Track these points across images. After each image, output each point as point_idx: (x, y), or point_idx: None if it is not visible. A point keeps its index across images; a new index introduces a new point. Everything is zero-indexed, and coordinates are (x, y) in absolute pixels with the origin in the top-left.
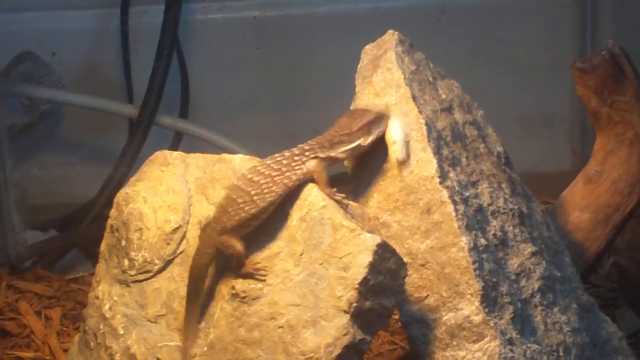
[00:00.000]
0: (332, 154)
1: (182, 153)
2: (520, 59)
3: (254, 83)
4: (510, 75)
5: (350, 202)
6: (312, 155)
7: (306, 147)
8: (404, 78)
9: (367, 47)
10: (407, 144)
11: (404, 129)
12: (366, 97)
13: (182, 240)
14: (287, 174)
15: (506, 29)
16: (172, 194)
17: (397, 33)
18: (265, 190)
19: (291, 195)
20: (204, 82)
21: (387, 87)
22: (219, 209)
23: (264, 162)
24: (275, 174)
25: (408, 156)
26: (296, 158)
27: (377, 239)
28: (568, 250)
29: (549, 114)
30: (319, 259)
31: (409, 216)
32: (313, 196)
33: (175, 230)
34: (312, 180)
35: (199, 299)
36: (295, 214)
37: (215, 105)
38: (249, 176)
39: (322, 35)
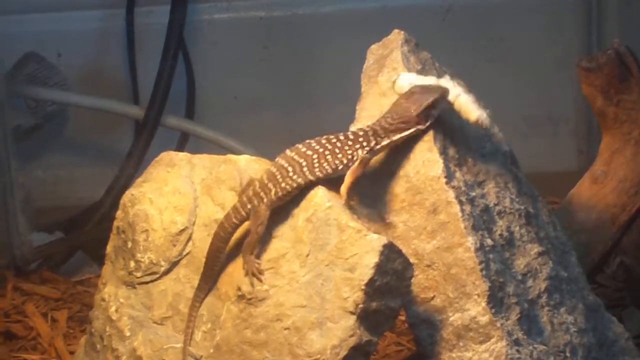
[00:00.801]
0: (385, 142)
1: (188, 154)
2: (525, 58)
3: (260, 83)
4: (515, 74)
5: (356, 204)
6: (366, 145)
7: (361, 134)
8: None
9: (372, 46)
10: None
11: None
12: (372, 97)
13: (188, 241)
14: (339, 156)
15: (511, 27)
16: (178, 195)
17: (402, 32)
18: (316, 165)
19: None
20: (210, 83)
21: (392, 87)
22: (266, 175)
23: (317, 139)
24: (327, 153)
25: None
26: (350, 143)
27: (384, 240)
28: (574, 250)
29: (555, 113)
30: (325, 260)
31: (415, 217)
32: (319, 197)
33: (182, 231)
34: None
35: (213, 272)
36: (301, 214)
37: (222, 105)
38: (302, 149)
39: (328, 35)
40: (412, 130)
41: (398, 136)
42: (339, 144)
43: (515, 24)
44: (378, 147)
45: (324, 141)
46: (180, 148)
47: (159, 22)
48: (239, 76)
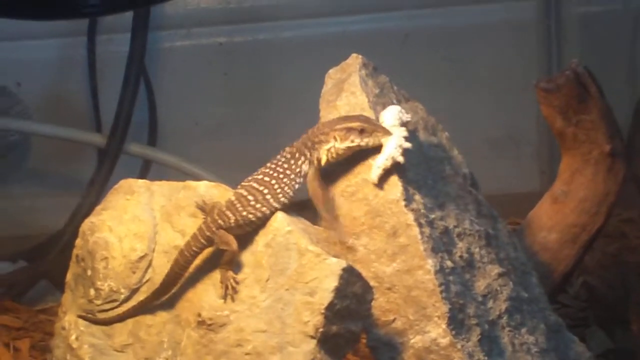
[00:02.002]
0: (313, 155)
1: (147, 181)
2: (486, 79)
3: (221, 109)
4: (476, 95)
5: (315, 226)
6: (304, 159)
7: (294, 150)
8: (368, 101)
9: (330, 71)
10: (386, 170)
11: (394, 153)
12: None
13: (148, 268)
14: (292, 176)
15: (471, 49)
16: (138, 222)
17: (360, 56)
18: (278, 191)
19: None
20: (172, 110)
21: (351, 111)
22: (226, 206)
23: (264, 167)
24: (282, 176)
25: (378, 181)
26: (292, 161)
27: (343, 264)
28: (535, 270)
29: (516, 135)
30: (285, 285)
31: (375, 240)
32: (278, 221)
33: (141, 258)
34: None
35: (171, 287)
36: (261, 239)
37: (183, 132)
38: (263, 177)
39: (289, 60)
40: (329, 144)
41: (325, 147)
42: (285, 165)
43: (476, 46)
44: (314, 157)
45: (273, 166)
46: (142, 175)
47: (119, 50)
48: (200, 102)
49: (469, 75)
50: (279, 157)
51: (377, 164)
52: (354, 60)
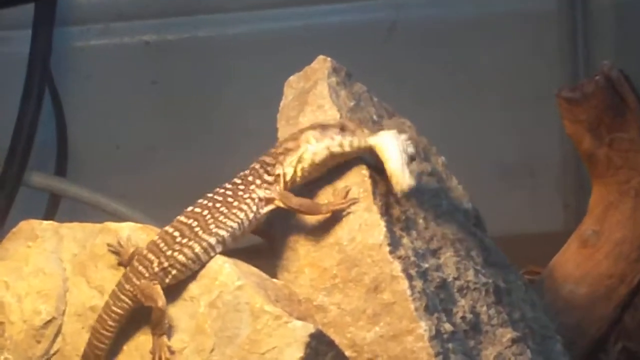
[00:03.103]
0: (278, 170)
1: (54, 223)
2: (495, 88)
3: (149, 127)
4: (482, 110)
5: (274, 280)
6: (260, 182)
7: (248, 172)
8: (340, 117)
9: (291, 78)
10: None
11: (401, 147)
12: None
13: (56, 336)
14: (235, 204)
15: (476, 50)
16: (42, 276)
17: (329, 59)
18: (210, 221)
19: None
20: (86, 128)
21: None
22: (148, 248)
23: (206, 196)
24: (219, 205)
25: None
26: (242, 187)
27: (310, 328)
28: (560, 335)
29: (533, 159)
30: (234, 356)
31: (352, 297)
32: (225, 274)
33: (47, 323)
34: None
35: None
36: (203, 297)
37: (101, 157)
38: (190, 209)
39: (237, 64)
40: (301, 149)
41: (288, 160)
42: (229, 192)
43: (482, 45)
44: (274, 177)
45: (212, 195)
46: (49, 215)
47: (17, 51)
48: (122, 119)
49: (472, 82)
50: (227, 183)
51: (395, 167)
52: (322, 65)
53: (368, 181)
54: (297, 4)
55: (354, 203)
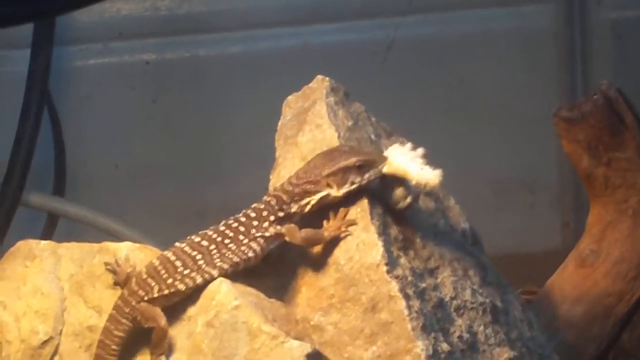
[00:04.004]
0: (294, 209)
1: (52, 243)
2: (492, 107)
3: (148, 147)
4: (480, 128)
5: (271, 300)
6: (273, 219)
7: (262, 207)
8: (339, 137)
9: (289, 98)
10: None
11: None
12: (290, 163)
13: (54, 355)
14: (245, 241)
15: (473, 68)
16: (40, 296)
17: (327, 79)
18: (215, 256)
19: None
20: (85, 148)
21: (317, 149)
22: (147, 272)
23: (214, 227)
24: (228, 241)
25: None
26: (255, 223)
27: (307, 348)
28: (557, 354)
29: (531, 178)
30: None
31: (349, 316)
32: (223, 294)
33: (45, 343)
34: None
35: None
36: (200, 317)
37: (99, 177)
38: (196, 239)
39: (238, 83)
40: (322, 193)
41: (305, 200)
42: (242, 228)
43: (480, 64)
44: (288, 215)
45: (222, 228)
46: (47, 235)
47: (16, 70)
48: (121, 139)
49: (470, 101)
50: (240, 215)
51: (416, 172)
52: (320, 84)
53: (365, 201)
54: (297, 24)
55: (352, 225)
